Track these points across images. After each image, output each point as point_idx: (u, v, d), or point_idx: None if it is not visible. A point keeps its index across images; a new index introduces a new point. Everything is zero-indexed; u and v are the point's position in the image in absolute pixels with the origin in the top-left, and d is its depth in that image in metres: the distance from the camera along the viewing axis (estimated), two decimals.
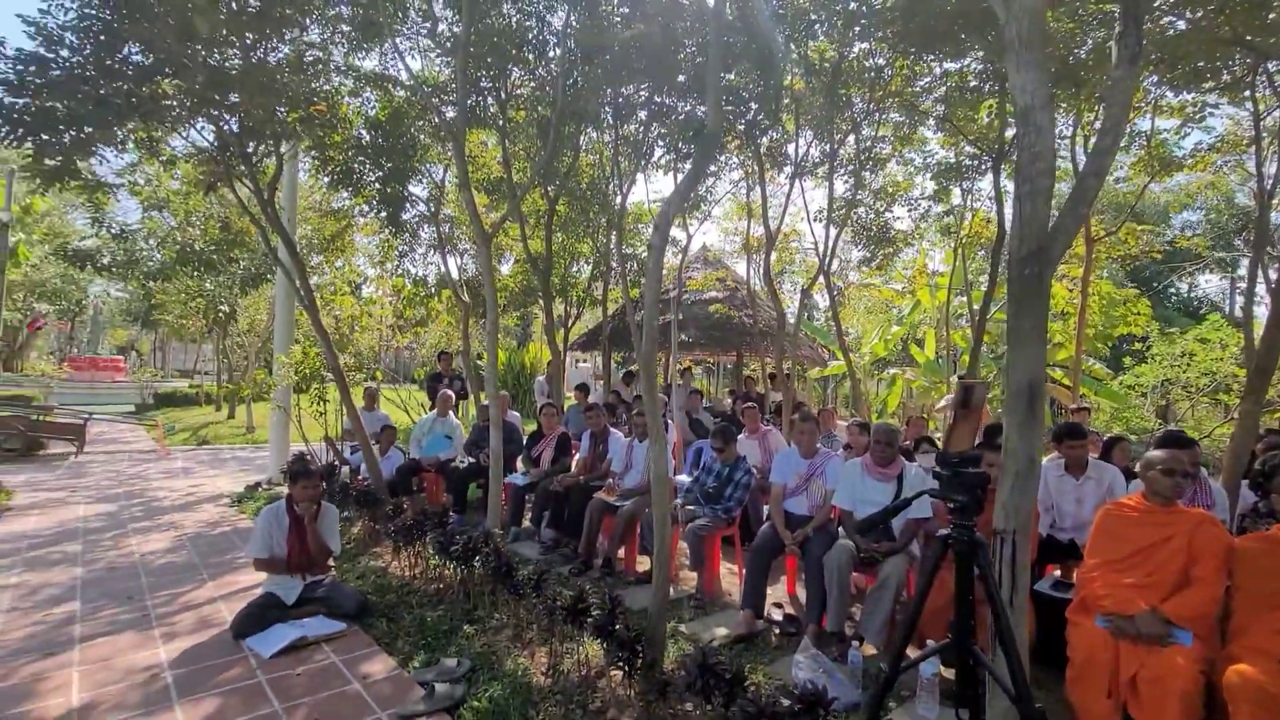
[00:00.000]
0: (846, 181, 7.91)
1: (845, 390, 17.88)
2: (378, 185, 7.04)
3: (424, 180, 8.28)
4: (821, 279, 7.65)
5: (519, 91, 6.91)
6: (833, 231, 7.64)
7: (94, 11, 4.63)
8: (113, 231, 12.94)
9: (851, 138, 7.33)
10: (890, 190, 8.50)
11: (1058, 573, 3.92)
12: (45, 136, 5.06)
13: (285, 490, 4.77)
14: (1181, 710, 2.35)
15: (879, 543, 3.75)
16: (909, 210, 8.87)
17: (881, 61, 6.37)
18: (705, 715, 2.53)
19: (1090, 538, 2.99)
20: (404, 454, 6.78)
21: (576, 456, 5.97)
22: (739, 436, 6.10)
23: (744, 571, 4.24)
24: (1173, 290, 22.90)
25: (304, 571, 3.87)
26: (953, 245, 9.72)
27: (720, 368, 22.67)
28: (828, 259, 7.53)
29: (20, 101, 4.62)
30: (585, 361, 22.83)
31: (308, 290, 6.00)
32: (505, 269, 11.31)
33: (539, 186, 7.98)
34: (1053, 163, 1.95)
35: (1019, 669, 1.42)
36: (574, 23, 5.87)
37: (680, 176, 6.85)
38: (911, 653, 3.51)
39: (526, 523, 5.88)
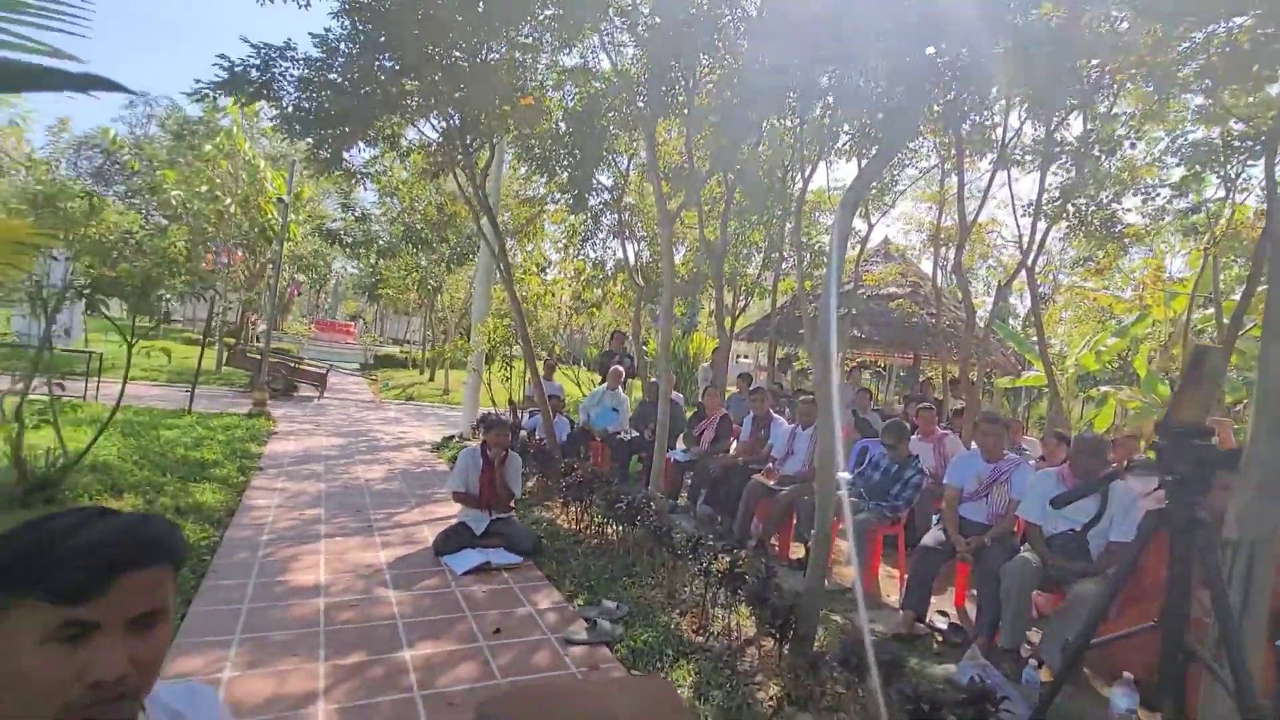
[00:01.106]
0: (1067, 168, 7.01)
1: (1040, 408, 15.86)
2: (569, 173, 7.62)
3: (609, 169, 8.79)
4: (1023, 277, 6.89)
5: (706, 79, 7.06)
6: (1041, 226, 6.83)
7: (360, 26, 5.58)
8: (356, 215, 15.42)
9: (1076, 118, 6.48)
10: (1124, 177, 7.35)
11: None
12: (321, 132, 6.23)
13: (473, 444, 5.42)
14: None
15: (1072, 562, 3.36)
16: (1144, 202, 7.63)
17: (1125, 26, 5.54)
18: (857, 696, 2.49)
19: None
20: (572, 423, 7.33)
21: (737, 440, 6.03)
22: (913, 438, 5.78)
23: (907, 573, 4.03)
24: None
25: (490, 508, 4.38)
26: (1200, 245, 8.19)
27: (892, 373, 21.23)
28: (1033, 255, 6.75)
29: (305, 105, 5.72)
30: (746, 357, 22.70)
31: (507, 266, 6.69)
32: (677, 257, 11.64)
33: (718, 174, 8.09)
34: None
35: (1239, 661, 1.24)
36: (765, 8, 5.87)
37: (865, 163, 6.55)
38: (1099, 686, 3.14)
39: (683, 500, 6.08)
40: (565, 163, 7.53)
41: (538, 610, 3.47)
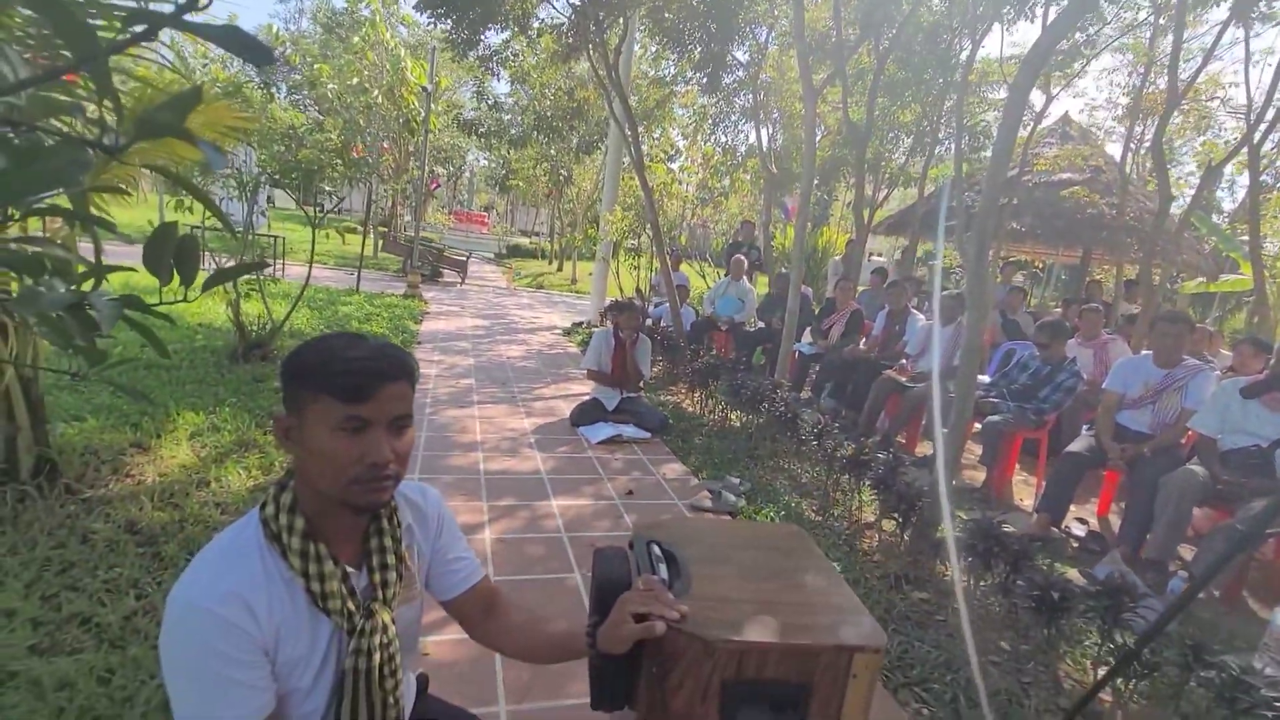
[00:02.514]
0: None
1: (1237, 319, 13.66)
2: (703, 47, 7.18)
3: (746, 43, 8.16)
4: (1244, 156, 5.74)
5: None
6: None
7: None
8: (489, 103, 15.67)
9: None
10: None
11: None
12: (457, 13, 6.29)
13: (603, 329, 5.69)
14: None
15: (1250, 479, 3.04)
16: None
17: None
18: (980, 586, 2.52)
19: None
20: (696, 313, 7.39)
21: (866, 338, 5.83)
22: (1070, 341, 5.31)
23: (1046, 477, 3.86)
24: None
25: (621, 386, 4.66)
26: None
27: (1052, 274, 18.99)
28: (1263, 129, 5.55)
29: None
30: (879, 255, 21.21)
31: (637, 149, 6.62)
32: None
33: (868, 41, 7.26)
34: None
35: None
36: None
37: (1054, 18, 5.57)
38: (1258, 608, 2.93)
39: (806, 394, 6.07)
40: (699, 36, 7.10)
41: (665, 480, 3.75)
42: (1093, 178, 8.39)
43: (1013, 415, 4.12)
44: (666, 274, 6.85)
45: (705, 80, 7.61)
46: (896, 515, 2.87)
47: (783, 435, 4.22)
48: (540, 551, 2.77)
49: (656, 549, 1.05)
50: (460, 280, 13.26)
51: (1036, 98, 7.85)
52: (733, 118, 9.31)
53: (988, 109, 8.41)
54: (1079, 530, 3.68)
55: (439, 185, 32.13)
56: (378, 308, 8.13)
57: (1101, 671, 1.90)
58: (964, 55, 6.42)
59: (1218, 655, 1.70)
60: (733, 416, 4.86)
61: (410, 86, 12.30)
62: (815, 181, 9.85)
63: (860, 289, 8.84)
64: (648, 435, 4.40)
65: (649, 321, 7.80)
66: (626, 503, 3.37)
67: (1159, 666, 1.82)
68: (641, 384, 4.87)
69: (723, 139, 10.07)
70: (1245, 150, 5.67)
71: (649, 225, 6.93)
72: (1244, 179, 7.56)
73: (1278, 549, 3.39)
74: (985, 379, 5.10)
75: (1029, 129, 7.38)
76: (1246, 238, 7.09)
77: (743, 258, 7.50)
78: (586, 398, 4.79)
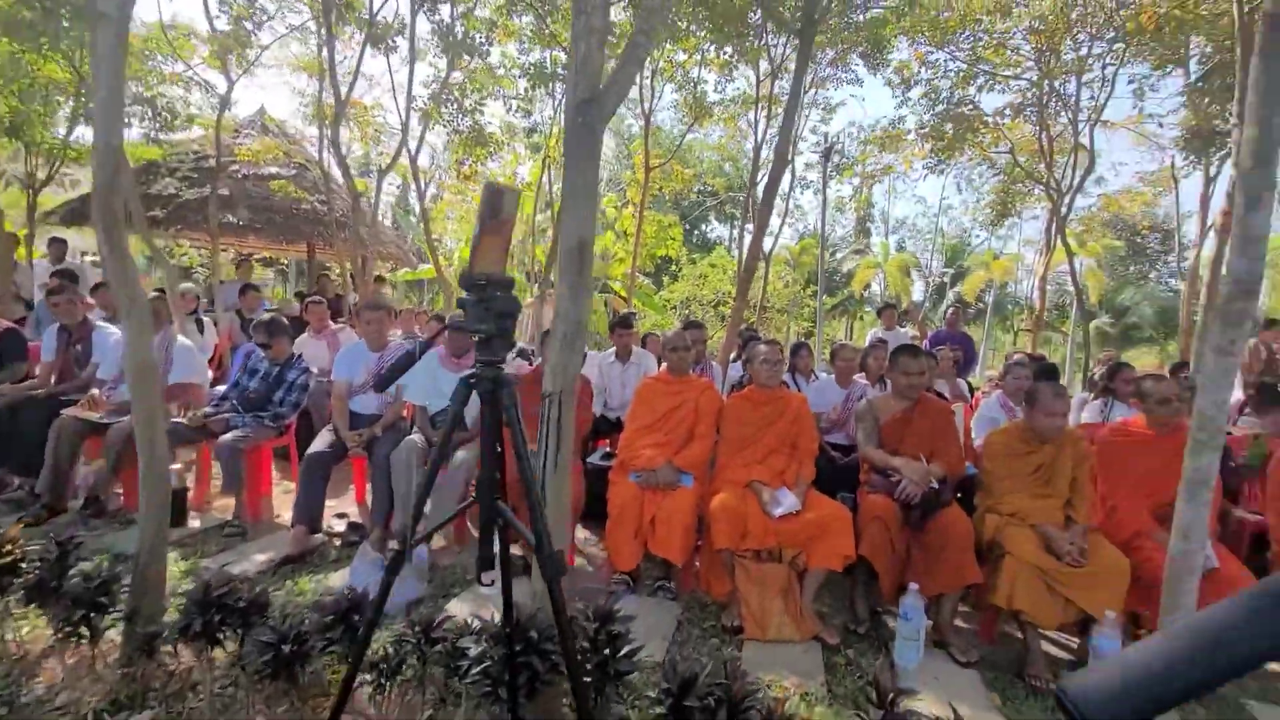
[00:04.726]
0: (435, 62, 7.21)
1: (441, 301, 17.55)
2: None
3: None
4: (408, 167, 6.95)
5: None
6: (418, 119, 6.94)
7: None
8: None
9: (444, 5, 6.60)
10: (488, 83, 8.09)
11: (607, 447, 4.47)
12: None
13: None
14: (683, 536, 2.90)
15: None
16: (507, 110, 8.68)
17: None
18: (211, 663, 1.98)
19: (629, 411, 3.41)
20: None
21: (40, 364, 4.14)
22: (303, 337, 5.25)
23: (298, 486, 3.62)
24: (705, 225, 29.26)
25: None
26: (539, 157, 10.07)
27: (299, 270, 19.50)
28: (415, 146, 6.84)
29: None
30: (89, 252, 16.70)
31: None
32: None
33: None
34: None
35: (540, 517, 1.36)
36: None
37: None
38: None
39: None
40: None
41: None
42: (300, 175, 8.67)
43: (251, 429, 3.68)
44: None
45: None
46: (71, 632, 1.97)
47: None
48: None
49: None
50: None
51: (219, 78, 7.26)
52: None
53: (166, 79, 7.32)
54: (340, 525, 3.63)
55: None
56: None
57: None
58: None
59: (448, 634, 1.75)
60: None
61: None
62: None
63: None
64: None
65: None
66: None
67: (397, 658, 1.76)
68: None
69: None
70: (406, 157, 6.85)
71: None
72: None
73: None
74: (220, 389, 4.46)
75: (218, 111, 6.78)
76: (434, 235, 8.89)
77: None
78: None
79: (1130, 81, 8.34)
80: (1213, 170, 9.48)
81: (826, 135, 12.34)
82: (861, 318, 25.68)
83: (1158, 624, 1.98)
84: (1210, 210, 9.44)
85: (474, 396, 1.42)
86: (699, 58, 8.28)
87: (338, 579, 2.97)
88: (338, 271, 9.02)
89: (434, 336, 2.12)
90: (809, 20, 4.46)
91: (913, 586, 2.44)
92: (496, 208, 1.24)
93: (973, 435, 3.90)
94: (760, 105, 8.18)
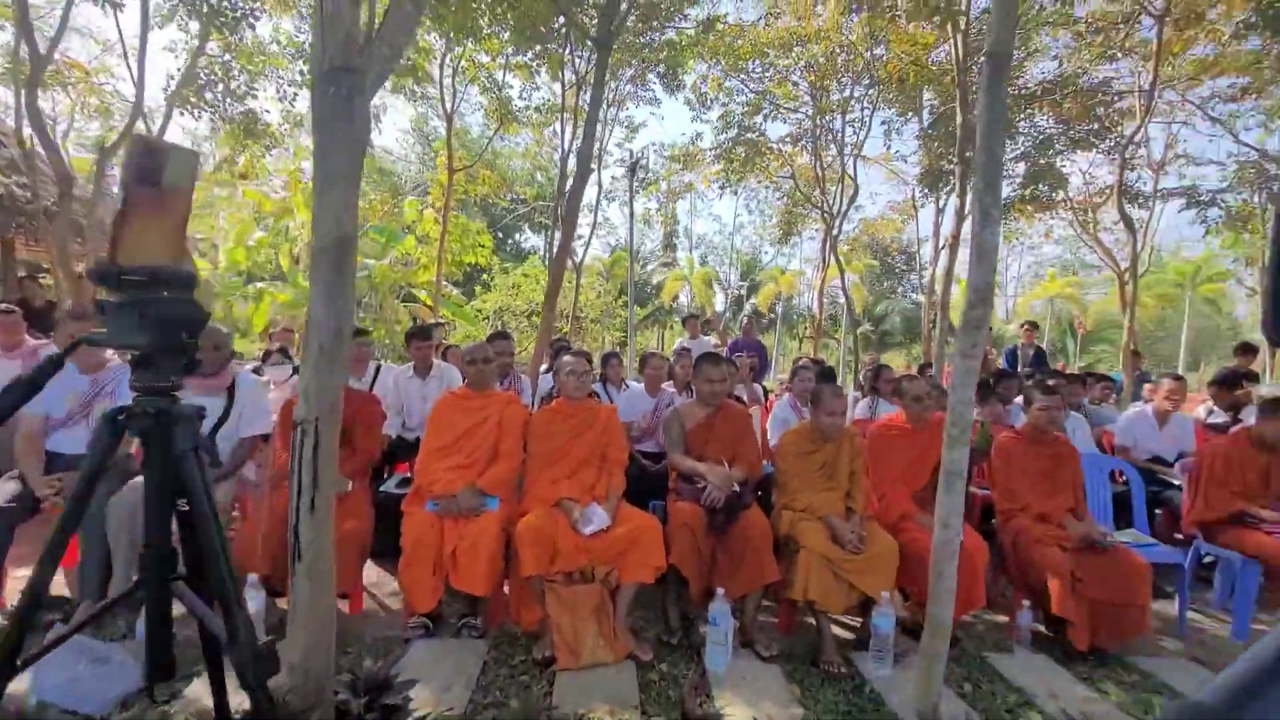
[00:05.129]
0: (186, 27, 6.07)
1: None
2: None
3: None
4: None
5: None
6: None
7: None
8: None
9: None
10: (258, 61, 7.02)
11: (407, 471, 4.02)
12: None
13: None
14: (488, 565, 2.64)
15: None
16: (282, 100, 7.63)
17: None
18: None
19: (425, 430, 3.07)
20: None
21: None
22: None
23: None
24: (518, 234, 28.71)
25: None
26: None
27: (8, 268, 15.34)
28: (155, 122, 5.66)
29: None
30: None
31: None
32: None
33: None
34: None
35: (229, 597, 1.04)
36: None
37: None
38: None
39: None
40: None
41: None
42: None
43: None
44: None
45: None
46: None
47: None
48: None
49: None
50: None
51: None
52: None
53: None
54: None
55: None
56: None
57: None
58: None
59: None
60: None
61: None
62: None
63: None
64: None
65: None
66: None
67: None
68: None
69: None
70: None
71: None
72: None
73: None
74: None
75: None
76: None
77: None
78: None
79: (882, 123, 9.79)
80: (941, 202, 11.47)
81: (631, 152, 12.78)
82: (672, 327, 27.09)
83: (925, 599, 2.19)
84: (941, 235, 11.40)
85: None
86: (503, 61, 8.02)
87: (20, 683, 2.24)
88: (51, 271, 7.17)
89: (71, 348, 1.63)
90: (606, 29, 4.47)
91: (719, 592, 2.46)
92: (155, 173, 0.90)
93: (769, 436, 4.16)
94: (566, 115, 8.15)
